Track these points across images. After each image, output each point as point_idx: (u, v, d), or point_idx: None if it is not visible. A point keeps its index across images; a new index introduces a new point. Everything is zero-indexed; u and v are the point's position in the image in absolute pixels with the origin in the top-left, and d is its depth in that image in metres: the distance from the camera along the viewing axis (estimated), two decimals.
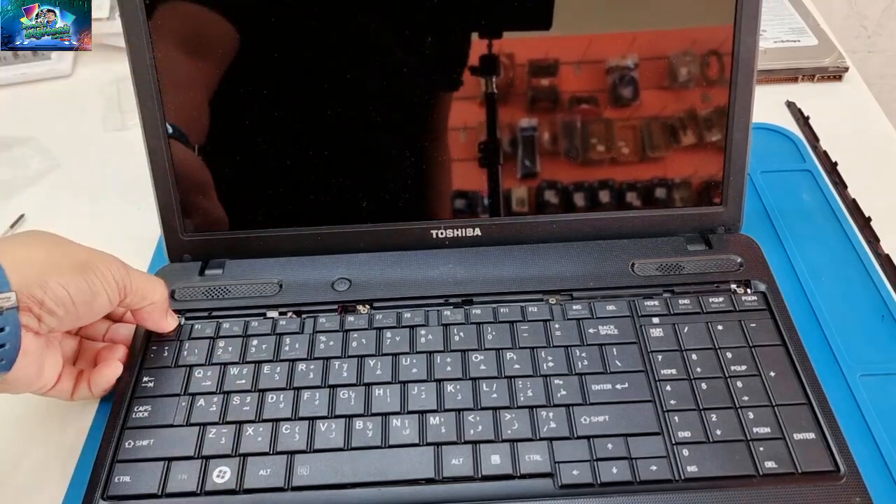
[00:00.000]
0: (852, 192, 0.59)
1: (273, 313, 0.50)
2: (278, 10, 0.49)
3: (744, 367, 0.46)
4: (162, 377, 0.47)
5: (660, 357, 0.47)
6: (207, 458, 0.43)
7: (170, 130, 0.50)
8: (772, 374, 0.45)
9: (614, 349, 0.47)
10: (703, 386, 0.45)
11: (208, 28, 0.50)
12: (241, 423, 0.44)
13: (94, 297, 0.42)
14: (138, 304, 0.46)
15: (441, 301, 0.50)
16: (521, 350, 0.47)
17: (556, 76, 0.51)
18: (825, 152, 0.63)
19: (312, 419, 0.44)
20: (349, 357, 0.47)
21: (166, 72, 0.49)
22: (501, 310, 0.49)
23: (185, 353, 0.48)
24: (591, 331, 0.48)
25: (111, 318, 0.49)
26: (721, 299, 0.50)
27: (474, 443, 0.43)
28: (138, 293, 0.45)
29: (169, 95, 0.50)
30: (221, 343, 0.48)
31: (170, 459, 0.43)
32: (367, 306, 0.51)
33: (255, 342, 0.48)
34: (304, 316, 0.50)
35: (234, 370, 0.47)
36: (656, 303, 0.50)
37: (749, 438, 0.43)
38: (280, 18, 0.49)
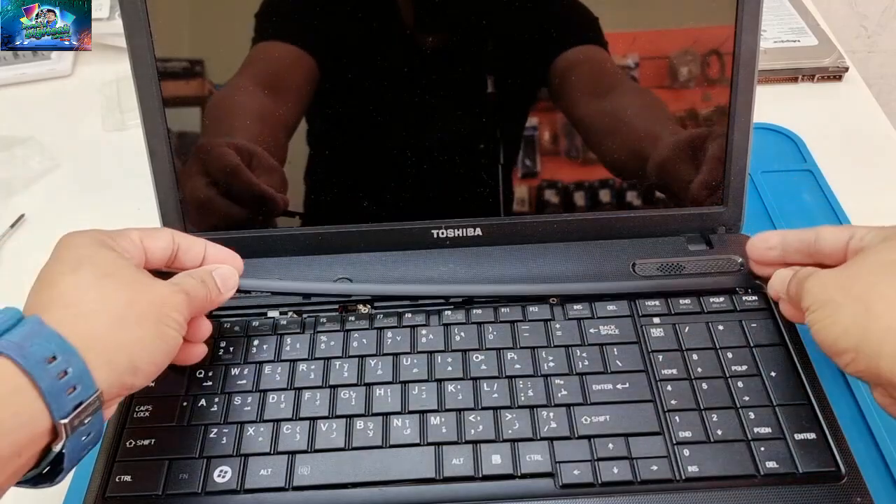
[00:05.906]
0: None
1: (273, 313, 0.50)
2: (281, 8, 0.49)
3: (744, 367, 0.46)
4: (163, 377, 0.46)
5: (660, 357, 0.47)
6: (208, 457, 0.43)
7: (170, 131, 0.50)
8: (772, 374, 0.45)
9: (615, 349, 0.47)
10: (704, 386, 0.45)
11: (212, 26, 0.50)
12: (242, 423, 0.44)
13: (175, 347, 0.40)
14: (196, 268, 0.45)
15: (442, 301, 0.50)
16: (522, 350, 0.47)
17: None
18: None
19: (313, 419, 0.44)
20: (350, 357, 0.47)
21: (167, 70, 0.49)
22: (502, 310, 0.49)
23: None
24: (591, 331, 0.48)
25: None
26: (721, 299, 0.49)
27: (475, 442, 0.43)
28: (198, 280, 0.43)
29: (170, 95, 0.50)
30: (222, 343, 0.48)
31: (171, 459, 0.43)
32: (368, 306, 0.51)
33: (255, 342, 0.48)
34: (304, 316, 0.50)
35: (234, 370, 0.47)
36: (657, 303, 0.49)
37: (750, 438, 0.43)
38: (284, 17, 0.49)
